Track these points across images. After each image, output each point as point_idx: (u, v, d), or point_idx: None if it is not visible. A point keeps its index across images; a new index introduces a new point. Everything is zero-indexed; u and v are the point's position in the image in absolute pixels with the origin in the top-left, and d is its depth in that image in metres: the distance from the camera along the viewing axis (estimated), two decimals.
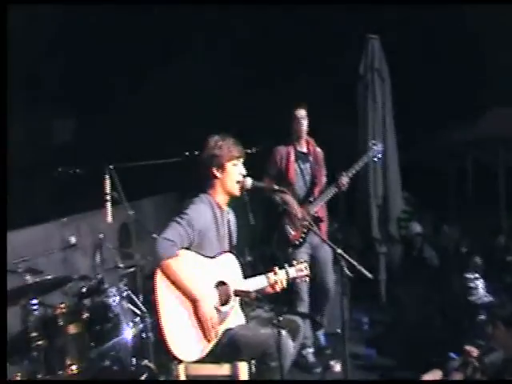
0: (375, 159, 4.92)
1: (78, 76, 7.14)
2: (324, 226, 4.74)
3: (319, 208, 4.67)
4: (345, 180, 4.60)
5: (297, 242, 4.61)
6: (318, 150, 4.86)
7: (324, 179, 4.82)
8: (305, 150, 4.80)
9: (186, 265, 3.13)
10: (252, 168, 3.51)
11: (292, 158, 4.70)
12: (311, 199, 4.67)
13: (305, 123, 4.70)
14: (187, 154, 6.24)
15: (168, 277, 3.09)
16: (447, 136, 8.22)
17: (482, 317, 4.20)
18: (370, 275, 3.16)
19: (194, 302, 3.13)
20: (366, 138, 5.95)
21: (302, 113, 4.69)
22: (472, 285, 4.25)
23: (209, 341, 3.14)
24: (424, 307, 4.84)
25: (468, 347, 3.73)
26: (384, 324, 5.39)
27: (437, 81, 7.44)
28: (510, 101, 7.71)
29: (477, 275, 4.27)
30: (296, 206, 4.51)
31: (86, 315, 3.71)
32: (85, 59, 7.08)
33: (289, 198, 4.48)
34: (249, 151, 3.62)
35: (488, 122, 8.04)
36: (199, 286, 3.14)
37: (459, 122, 8.08)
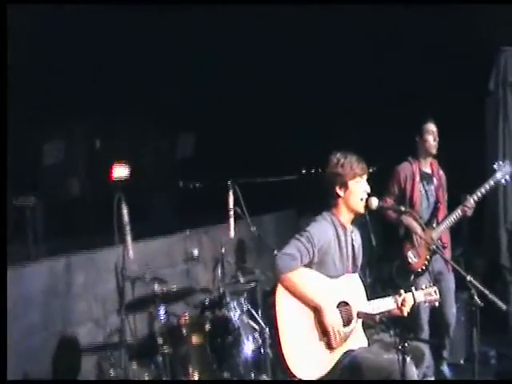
0: (503, 181, 4.57)
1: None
2: (448, 252, 4.50)
3: (444, 233, 4.45)
4: (471, 204, 4.34)
5: (419, 270, 4.38)
6: (441, 172, 4.64)
7: (445, 205, 4.57)
8: (429, 170, 4.57)
9: (307, 280, 3.12)
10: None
11: (417, 177, 4.48)
12: (434, 224, 4.43)
13: (435, 138, 4.47)
14: (304, 171, 6.25)
15: (289, 290, 3.08)
16: None
17: None
18: (504, 306, 2.99)
19: (316, 310, 3.08)
20: (496, 158, 5.62)
21: (432, 127, 4.47)
22: None
23: (332, 349, 3.08)
24: None
25: None
26: None
27: None
28: None
29: None
30: (420, 230, 4.26)
31: (207, 327, 3.80)
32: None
33: (413, 220, 4.28)
34: (370, 170, 3.54)
35: None
36: (322, 297, 3.10)
37: None
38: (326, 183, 3.31)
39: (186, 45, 7.22)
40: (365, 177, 3.30)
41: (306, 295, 3.09)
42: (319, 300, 3.09)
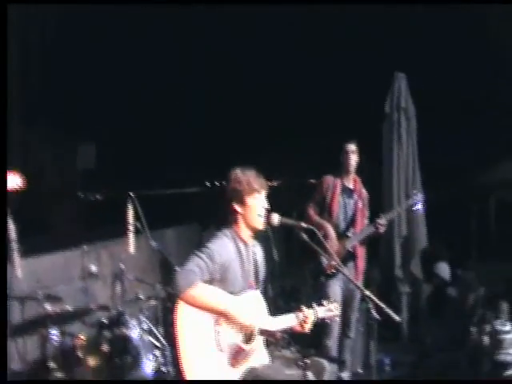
0: (414, 208, 5.00)
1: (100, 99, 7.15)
2: (361, 263, 4.81)
3: (358, 246, 4.74)
4: (382, 221, 4.66)
5: (330, 273, 4.61)
6: (364, 191, 4.92)
7: (366, 221, 4.86)
8: (351, 186, 4.85)
9: (210, 293, 3.05)
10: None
11: (338, 190, 4.78)
12: (349, 234, 4.72)
13: (354, 158, 4.77)
14: (208, 184, 6.22)
15: (191, 304, 3.01)
16: (472, 176, 8.15)
17: (509, 373, 3.99)
18: (397, 318, 3.10)
19: (225, 315, 3.03)
20: (391, 178, 5.92)
21: (351, 147, 4.77)
22: (500, 338, 4.02)
23: (233, 366, 3.03)
24: (450, 351, 4.69)
25: None
26: (406, 365, 5.24)
27: (464, 121, 7.41)
28: None
29: (508, 327, 4.05)
30: (334, 238, 4.61)
31: (105, 347, 3.63)
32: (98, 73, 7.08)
33: (328, 228, 4.62)
34: (271, 184, 3.56)
35: None
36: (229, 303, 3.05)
37: (485, 163, 8.03)
38: (225, 199, 3.28)
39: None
40: (264, 193, 3.28)
41: (209, 304, 3.03)
42: (226, 303, 3.04)
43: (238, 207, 3.23)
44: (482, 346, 4.26)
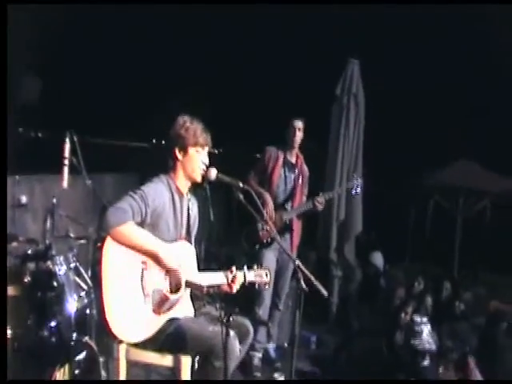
0: (352, 192, 5.04)
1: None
2: (296, 238, 4.84)
3: (295, 220, 4.76)
4: (321, 199, 4.70)
5: (265, 241, 4.65)
6: (306, 168, 4.94)
7: (304, 198, 4.89)
8: (293, 160, 4.88)
9: (140, 232, 2.99)
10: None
11: (280, 162, 4.80)
12: (287, 207, 4.75)
13: (299, 134, 4.79)
14: (154, 141, 6.09)
15: (119, 241, 2.92)
16: (414, 175, 8.37)
17: (425, 363, 4.16)
18: (325, 293, 3.08)
19: (153, 255, 2.99)
20: (335, 161, 5.95)
21: (298, 123, 4.79)
22: (417, 329, 4.20)
23: (157, 313, 3.00)
24: (372, 337, 4.82)
25: None
26: (331, 345, 5.36)
27: (414, 121, 7.57)
28: (477, 156, 8.00)
29: (424, 320, 4.24)
30: (271, 207, 4.63)
31: (27, 279, 3.47)
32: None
33: (267, 196, 4.64)
34: (214, 151, 3.53)
35: (454, 171, 8.27)
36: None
37: (427, 165, 8.26)
38: (168, 143, 3.23)
39: None
40: (206, 149, 3.24)
41: (139, 243, 2.96)
42: (156, 244, 3.00)
43: (179, 154, 3.18)
44: (402, 336, 4.41)
